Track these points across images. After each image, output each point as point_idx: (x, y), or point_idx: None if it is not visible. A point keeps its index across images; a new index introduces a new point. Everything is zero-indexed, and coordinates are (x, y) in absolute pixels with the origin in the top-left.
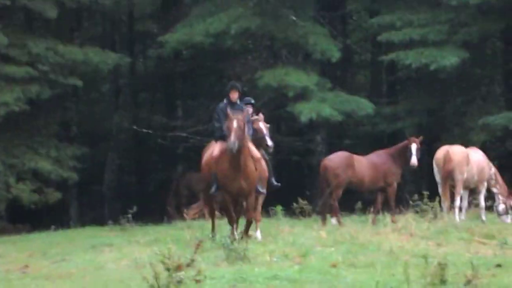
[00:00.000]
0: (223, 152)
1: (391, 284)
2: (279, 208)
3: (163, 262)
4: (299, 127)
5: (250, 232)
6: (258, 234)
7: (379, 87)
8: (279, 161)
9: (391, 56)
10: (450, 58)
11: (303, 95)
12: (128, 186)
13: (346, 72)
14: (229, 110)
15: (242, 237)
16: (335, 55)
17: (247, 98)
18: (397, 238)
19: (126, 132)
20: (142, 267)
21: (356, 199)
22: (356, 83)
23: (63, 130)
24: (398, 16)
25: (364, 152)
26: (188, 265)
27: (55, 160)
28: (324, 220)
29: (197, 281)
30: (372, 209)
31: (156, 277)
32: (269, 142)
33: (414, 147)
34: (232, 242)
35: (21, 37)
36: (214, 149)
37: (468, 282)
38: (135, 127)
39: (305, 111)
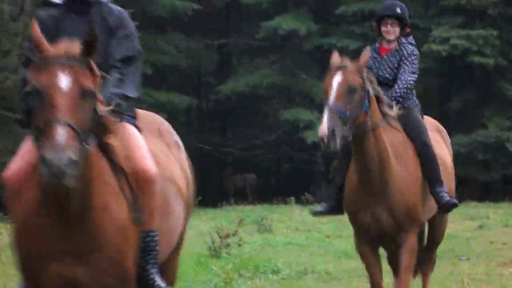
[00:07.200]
0: (31, 174)
1: None
2: (291, 199)
3: (217, 232)
4: (306, 146)
5: None
6: None
7: None
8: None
9: None
10: None
11: (309, 126)
12: (195, 182)
13: None
14: (36, 30)
15: None
16: None
17: None
18: None
19: (194, 148)
20: (203, 235)
21: None
22: None
23: None
24: None
25: None
26: (233, 234)
27: None
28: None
29: (239, 245)
30: None
31: (213, 242)
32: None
33: None
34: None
35: None
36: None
37: None
38: (200, 145)
39: (310, 136)
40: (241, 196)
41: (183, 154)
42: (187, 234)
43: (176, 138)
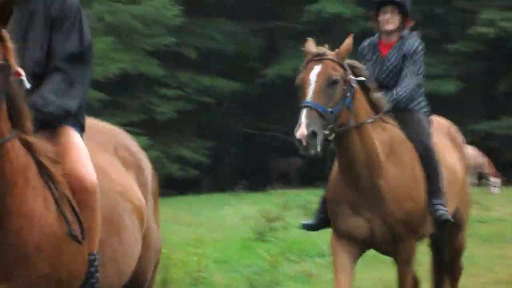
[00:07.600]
0: None
1: None
2: None
3: (262, 216)
4: None
5: None
6: None
7: None
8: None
9: None
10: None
11: None
12: (239, 166)
13: None
14: None
15: None
16: None
17: None
18: None
19: (239, 132)
20: (248, 219)
21: None
22: None
23: (199, 130)
24: None
25: None
26: (278, 218)
27: (193, 149)
28: None
29: (284, 229)
30: None
31: (258, 226)
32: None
33: None
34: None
35: (173, 70)
36: None
37: None
38: (245, 129)
39: None
40: (286, 180)
41: (147, 175)
42: (233, 219)
43: (141, 156)
